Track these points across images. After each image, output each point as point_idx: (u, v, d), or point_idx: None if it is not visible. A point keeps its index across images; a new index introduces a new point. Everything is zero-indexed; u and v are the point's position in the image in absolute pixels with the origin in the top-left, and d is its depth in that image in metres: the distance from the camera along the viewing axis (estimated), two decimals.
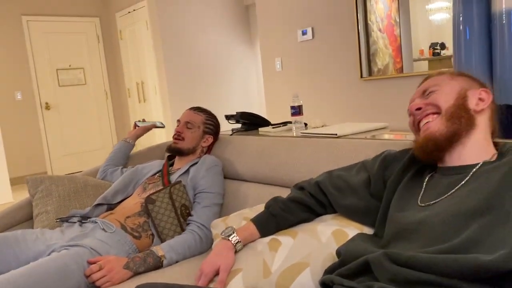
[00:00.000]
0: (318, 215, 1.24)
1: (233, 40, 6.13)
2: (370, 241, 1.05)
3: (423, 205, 1.01)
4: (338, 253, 1.03)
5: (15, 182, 5.30)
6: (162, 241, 1.57)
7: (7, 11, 5.57)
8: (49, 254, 1.43)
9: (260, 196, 1.69)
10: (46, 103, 5.91)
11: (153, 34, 5.53)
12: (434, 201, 0.99)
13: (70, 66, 6.10)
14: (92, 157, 6.28)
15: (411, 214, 1.01)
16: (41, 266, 1.28)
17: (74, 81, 6.14)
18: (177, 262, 1.49)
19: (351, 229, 1.15)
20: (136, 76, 6.09)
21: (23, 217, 1.85)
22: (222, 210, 1.74)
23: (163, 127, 2.15)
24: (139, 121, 2.15)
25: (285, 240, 1.16)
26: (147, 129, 2.14)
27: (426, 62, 3.23)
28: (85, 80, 6.24)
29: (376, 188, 1.15)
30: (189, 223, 1.61)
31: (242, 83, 6.26)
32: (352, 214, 1.17)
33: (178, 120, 1.90)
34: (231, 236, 1.18)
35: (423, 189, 1.06)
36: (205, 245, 1.58)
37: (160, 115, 5.69)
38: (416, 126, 1.09)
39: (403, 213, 1.03)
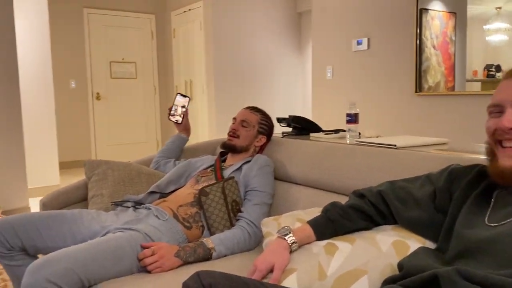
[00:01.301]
0: (377, 224, 1.21)
1: (282, 46, 6.15)
2: (434, 256, 1.02)
3: (492, 224, 0.97)
4: (401, 265, 1.01)
5: (61, 166, 5.51)
6: (212, 234, 1.59)
7: (71, 2, 5.84)
8: (104, 235, 1.48)
9: (311, 200, 1.67)
10: (97, 94, 6.13)
11: (206, 34, 5.63)
12: (505, 221, 0.95)
13: (123, 59, 6.30)
14: (135, 149, 6.45)
15: (479, 232, 0.97)
16: (99, 244, 1.32)
17: (125, 74, 6.34)
18: (225, 256, 1.51)
19: (413, 241, 1.12)
20: (185, 74, 6.21)
21: (78, 198, 1.92)
22: (271, 210, 1.74)
23: (189, 98, 2.04)
24: (170, 115, 2.05)
25: (342, 245, 1.15)
26: (186, 115, 2.06)
27: (479, 83, 3.13)
28: (136, 74, 6.43)
29: (442, 202, 1.11)
30: (238, 219, 1.62)
31: (287, 89, 6.27)
32: (415, 227, 1.14)
33: (234, 118, 1.92)
34: (288, 236, 1.17)
35: (491, 207, 1.02)
36: (253, 243, 1.58)
37: (205, 113, 5.78)
38: (499, 146, 1.01)
39: (470, 231, 0.99)
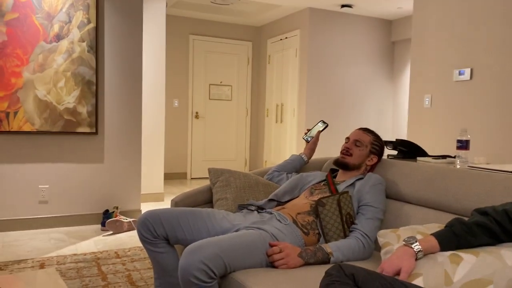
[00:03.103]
0: (500, 242, 1.28)
1: (375, 74, 6.22)
2: None
3: None
4: None
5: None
6: (327, 241, 1.73)
7: (179, 30, 6.44)
8: (235, 231, 1.69)
9: (423, 217, 1.76)
10: (196, 113, 6.62)
11: (300, 61, 5.89)
12: None
13: (221, 82, 6.77)
14: (225, 166, 6.82)
15: None
16: (237, 237, 1.52)
17: (222, 96, 6.79)
18: (341, 262, 1.64)
19: None
20: (276, 98, 6.50)
21: (203, 200, 2.17)
22: (383, 226, 1.84)
23: (327, 125, 2.30)
24: (305, 134, 2.33)
25: (467, 256, 1.23)
26: (317, 139, 2.30)
27: None
28: (231, 97, 6.85)
29: None
30: (352, 231, 1.74)
31: (377, 116, 6.29)
32: None
33: (348, 138, 2.07)
34: (414, 244, 1.28)
35: None
36: (367, 253, 1.70)
37: (294, 136, 5.98)
38: None
39: None
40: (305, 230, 1.75)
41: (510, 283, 1.14)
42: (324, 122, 2.31)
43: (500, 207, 1.32)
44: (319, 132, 2.30)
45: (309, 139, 2.29)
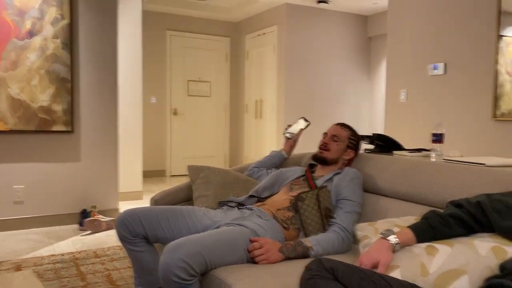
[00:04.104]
0: (474, 233, 1.32)
1: (351, 69, 6.29)
2: None
3: None
4: (503, 266, 1.11)
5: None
6: (306, 236, 1.75)
7: (156, 26, 6.37)
8: (216, 228, 1.69)
9: (400, 211, 1.79)
10: (175, 109, 6.57)
11: (279, 56, 5.90)
12: None
13: (199, 78, 6.72)
14: (206, 162, 6.80)
15: None
16: (218, 234, 1.53)
17: (201, 92, 6.75)
18: (321, 256, 1.66)
19: (511, 248, 1.21)
20: (256, 94, 6.50)
21: (184, 197, 2.16)
22: (360, 219, 1.87)
23: (309, 123, 2.29)
24: (286, 130, 2.33)
25: (442, 248, 1.26)
26: (298, 137, 2.31)
27: None
28: (210, 93, 6.82)
29: None
30: (331, 225, 1.77)
31: (355, 110, 6.37)
32: None
33: (325, 133, 2.09)
34: (391, 237, 1.31)
35: None
36: (346, 247, 1.72)
37: (274, 131, 6.00)
38: None
39: None
40: (285, 225, 1.76)
41: (484, 272, 1.18)
42: (306, 120, 2.31)
43: (473, 199, 1.36)
44: (301, 130, 2.30)
45: (288, 135, 2.29)
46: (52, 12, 3.51)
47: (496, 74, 3.36)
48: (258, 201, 1.99)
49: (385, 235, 1.33)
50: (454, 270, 1.20)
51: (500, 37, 3.33)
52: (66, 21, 3.56)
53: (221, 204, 1.94)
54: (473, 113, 3.52)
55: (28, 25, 3.44)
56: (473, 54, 3.51)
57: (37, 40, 3.48)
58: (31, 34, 3.46)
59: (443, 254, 1.24)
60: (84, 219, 3.56)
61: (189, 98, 6.68)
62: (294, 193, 1.88)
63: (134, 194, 4.68)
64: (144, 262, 1.76)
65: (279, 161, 2.29)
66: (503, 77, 3.34)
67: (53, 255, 2.92)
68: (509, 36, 3.30)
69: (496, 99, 3.37)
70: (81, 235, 3.43)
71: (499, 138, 3.33)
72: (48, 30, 3.51)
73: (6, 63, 3.40)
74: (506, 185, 1.52)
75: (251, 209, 1.82)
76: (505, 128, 3.31)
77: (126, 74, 4.56)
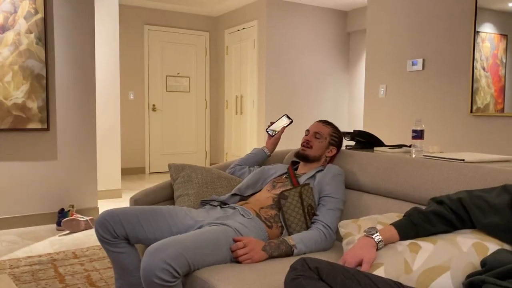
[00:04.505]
0: (455, 229, 1.33)
1: (331, 64, 6.32)
2: None
3: None
4: (484, 262, 1.13)
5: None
6: (289, 234, 1.75)
7: (133, 20, 6.25)
8: (198, 228, 1.66)
9: (381, 207, 1.80)
10: (153, 105, 6.48)
11: (259, 52, 5.88)
12: None
13: (178, 74, 6.64)
14: (186, 159, 6.74)
15: None
16: (201, 234, 1.50)
17: (180, 88, 6.67)
18: (304, 253, 1.65)
19: (491, 244, 1.23)
20: (236, 89, 6.47)
21: (164, 197, 2.13)
22: (343, 216, 1.88)
23: (292, 121, 2.29)
24: (268, 127, 2.32)
25: (425, 245, 1.27)
26: (280, 134, 2.30)
27: None
28: (189, 88, 6.75)
29: None
30: (314, 222, 1.77)
31: (334, 105, 6.40)
32: (492, 232, 1.25)
33: (307, 130, 2.08)
34: (375, 235, 1.31)
35: None
36: (329, 244, 1.73)
37: (255, 127, 5.99)
38: None
39: None
40: (269, 224, 1.75)
41: (466, 268, 1.19)
42: (288, 117, 2.30)
43: (454, 195, 1.37)
44: (284, 127, 2.29)
45: (270, 132, 2.28)
46: (25, 6, 3.40)
47: (472, 69, 3.42)
48: (241, 199, 1.97)
49: (368, 232, 1.33)
50: (437, 266, 1.21)
51: (476, 33, 3.39)
52: (40, 16, 3.45)
53: (203, 203, 1.92)
54: (451, 108, 3.58)
55: (0, 19, 3.33)
56: (451, 50, 3.56)
57: (9, 35, 3.36)
58: (3, 28, 3.34)
59: (426, 251, 1.25)
60: (62, 218, 3.48)
61: (168, 94, 6.60)
62: (277, 191, 1.87)
63: (113, 192, 4.60)
64: (125, 263, 1.72)
65: (261, 158, 2.28)
66: (479, 72, 3.40)
67: (30, 257, 2.84)
68: (485, 32, 3.36)
69: (473, 94, 3.43)
70: (59, 235, 3.35)
71: (476, 133, 3.40)
72: (21, 24, 3.40)
73: None
74: (485, 181, 1.54)
75: (234, 208, 1.80)
76: (480, 123, 3.38)
77: (103, 70, 4.46)
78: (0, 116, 3.37)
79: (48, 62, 3.52)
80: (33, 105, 3.47)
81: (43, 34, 3.47)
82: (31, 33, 3.43)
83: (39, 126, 3.50)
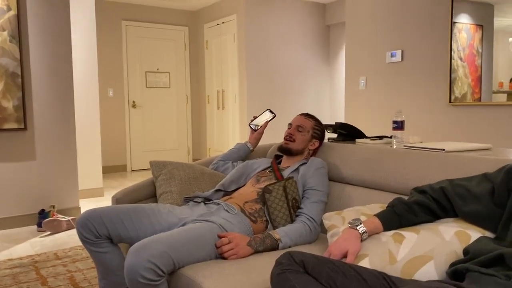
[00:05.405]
0: (438, 218, 1.35)
1: (311, 57, 6.33)
2: (495, 243, 1.15)
3: None
4: (466, 250, 1.14)
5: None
6: (274, 228, 1.74)
7: (111, 16, 6.14)
8: (182, 226, 1.65)
9: (364, 198, 1.82)
10: (133, 102, 6.39)
11: (239, 46, 5.85)
12: None
13: (158, 69, 6.56)
14: (168, 156, 6.68)
15: None
16: (186, 232, 1.49)
17: (160, 83, 6.60)
18: (289, 247, 1.66)
19: (473, 232, 1.25)
20: (217, 84, 6.43)
21: (147, 195, 2.10)
22: (326, 208, 1.89)
23: (275, 115, 2.28)
24: (251, 121, 2.30)
25: (409, 235, 1.29)
26: (263, 128, 2.29)
27: (505, 95, 3.21)
28: (170, 84, 6.68)
29: (500, 197, 1.25)
30: (298, 215, 1.77)
31: (315, 98, 6.43)
32: (474, 220, 1.27)
33: (290, 124, 2.08)
34: (359, 226, 1.32)
35: None
36: (314, 236, 1.73)
37: (237, 122, 5.97)
38: None
39: None
40: (253, 218, 1.75)
41: (449, 257, 1.21)
42: (271, 112, 2.29)
43: (436, 185, 1.39)
44: (267, 122, 2.28)
45: (253, 127, 2.27)
46: None
47: (450, 60, 3.47)
48: (225, 194, 1.96)
49: (353, 224, 1.34)
50: (421, 256, 1.22)
51: (453, 23, 3.44)
52: (13, 12, 3.35)
53: (187, 200, 1.90)
54: (430, 99, 3.62)
55: None
56: (429, 41, 3.60)
57: None
58: None
59: (410, 241, 1.27)
60: (42, 219, 3.41)
61: (148, 90, 6.51)
62: (261, 185, 1.87)
63: (94, 191, 4.53)
64: (108, 263, 1.70)
65: (244, 153, 2.27)
66: (456, 62, 3.45)
67: (10, 260, 2.78)
68: (461, 23, 3.41)
69: (451, 84, 3.48)
70: (40, 237, 3.28)
71: (455, 122, 3.46)
72: None
73: None
74: (465, 170, 1.56)
75: (218, 204, 1.79)
76: (459, 112, 3.44)
77: (81, 67, 4.37)
78: None
79: (23, 60, 3.43)
80: (8, 104, 3.38)
81: (17, 31, 3.37)
82: (4, 30, 3.33)
83: (15, 126, 3.41)
